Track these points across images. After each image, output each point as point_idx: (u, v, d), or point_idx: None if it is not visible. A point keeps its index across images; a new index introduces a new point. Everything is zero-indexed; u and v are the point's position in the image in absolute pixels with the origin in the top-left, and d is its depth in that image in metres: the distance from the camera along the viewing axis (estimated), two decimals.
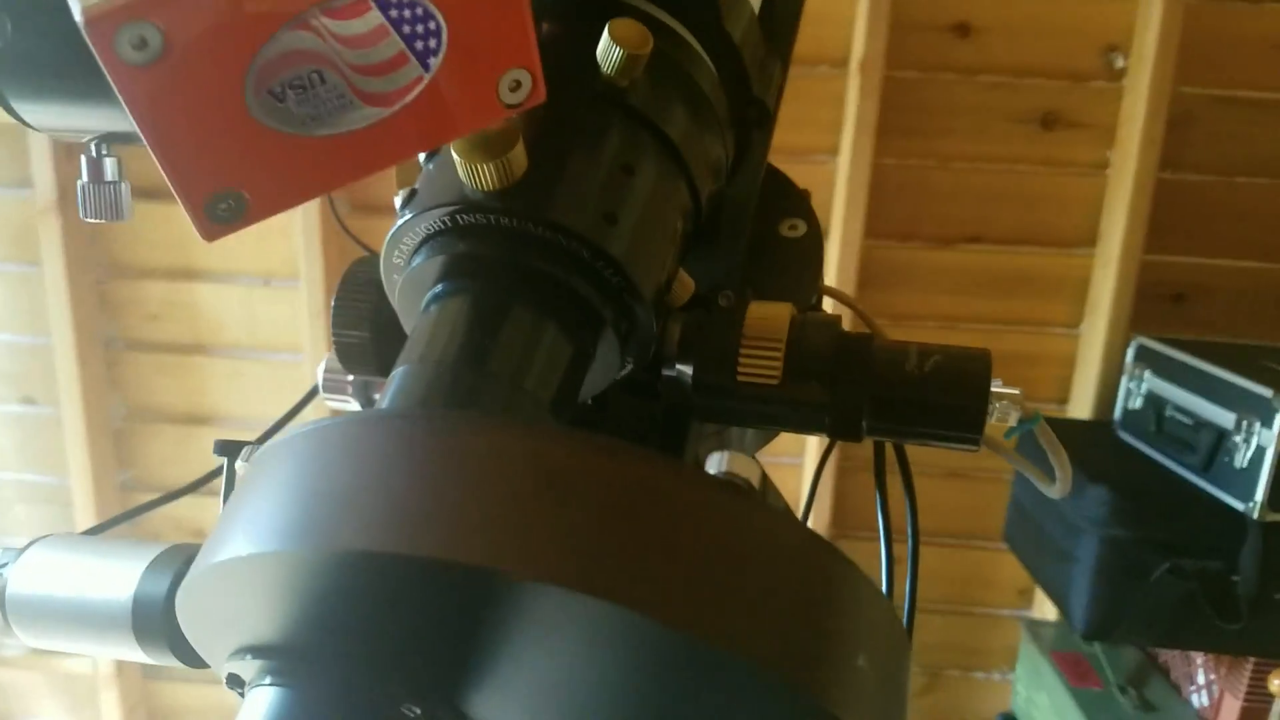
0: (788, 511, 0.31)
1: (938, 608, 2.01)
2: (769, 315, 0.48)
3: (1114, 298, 1.78)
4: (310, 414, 0.65)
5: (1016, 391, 0.47)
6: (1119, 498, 1.45)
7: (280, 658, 0.32)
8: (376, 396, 0.57)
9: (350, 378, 0.59)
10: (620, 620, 0.27)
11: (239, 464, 0.35)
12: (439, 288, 0.43)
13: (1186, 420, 1.50)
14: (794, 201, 0.63)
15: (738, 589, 0.28)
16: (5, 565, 0.45)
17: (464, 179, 0.41)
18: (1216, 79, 1.74)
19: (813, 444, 1.84)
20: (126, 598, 0.42)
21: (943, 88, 1.79)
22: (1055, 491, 0.52)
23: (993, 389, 0.46)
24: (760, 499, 0.30)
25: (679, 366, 0.47)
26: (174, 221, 1.92)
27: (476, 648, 0.31)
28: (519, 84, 0.33)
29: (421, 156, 0.47)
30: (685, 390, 0.47)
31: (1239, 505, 1.39)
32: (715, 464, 0.31)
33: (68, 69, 0.41)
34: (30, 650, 1.99)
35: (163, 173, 0.29)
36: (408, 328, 0.46)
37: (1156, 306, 1.81)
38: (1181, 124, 1.73)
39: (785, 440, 0.51)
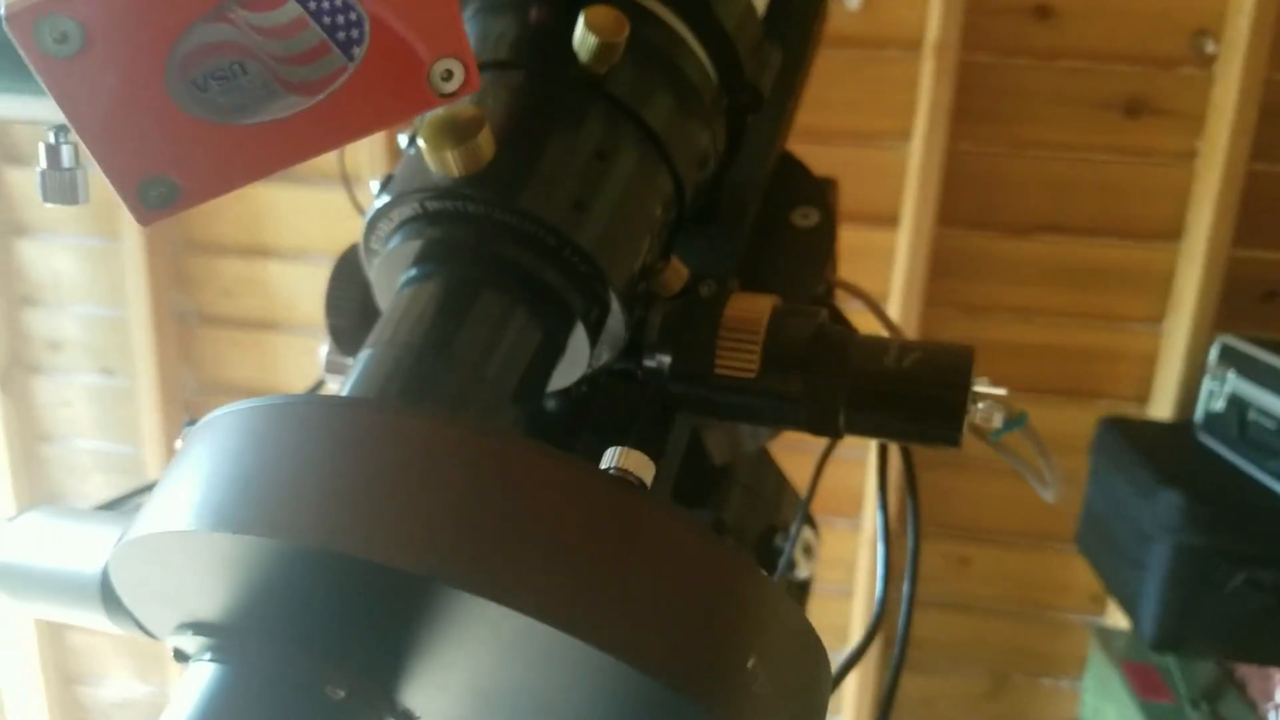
0: (681, 511, 0.30)
1: (1006, 610, 1.96)
2: (749, 307, 0.47)
3: (1199, 294, 1.70)
4: None
5: (1002, 392, 0.46)
6: (1194, 503, 1.40)
7: (218, 635, 0.32)
8: None
9: (349, 360, 0.59)
10: (500, 613, 0.27)
11: (177, 443, 0.35)
12: (409, 273, 0.43)
13: (1271, 425, 1.43)
14: (809, 190, 0.62)
15: (614, 585, 0.28)
16: None
17: (431, 165, 0.41)
18: None
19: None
20: (96, 569, 0.42)
21: (1021, 72, 1.73)
22: (1048, 495, 0.51)
23: (976, 388, 0.45)
24: (648, 496, 0.30)
25: (659, 356, 0.47)
26: (249, 200, 1.96)
27: (402, 638, 0.31)
28: (451, 73, 0.33)
29: (402, 141, 0.46)
30: (664, 379, 0.47)
31: None
32: (609, 459, 0.31)
33: (5, 62, 0.41)
34: None
35: (93, 159, 0.29)
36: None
37: (1245, 304, 1.73)
38: (1275, 113, 1.65)
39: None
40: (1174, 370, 1.75)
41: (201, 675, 0.32)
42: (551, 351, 0.44)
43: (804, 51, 0.64)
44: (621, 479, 0.30)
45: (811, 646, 0.31)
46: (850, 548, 1.91)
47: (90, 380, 2.12)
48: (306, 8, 0.29)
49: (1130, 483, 1.52)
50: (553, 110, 0.45)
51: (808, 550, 0.68)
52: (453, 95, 0.33)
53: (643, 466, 0.30)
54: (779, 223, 0.62)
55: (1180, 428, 1.68)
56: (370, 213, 0.44)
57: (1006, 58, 1.73)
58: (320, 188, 1.89)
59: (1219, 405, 1.56)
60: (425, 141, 0.40)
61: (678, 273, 0.51)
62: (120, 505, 0.61)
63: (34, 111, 0.32)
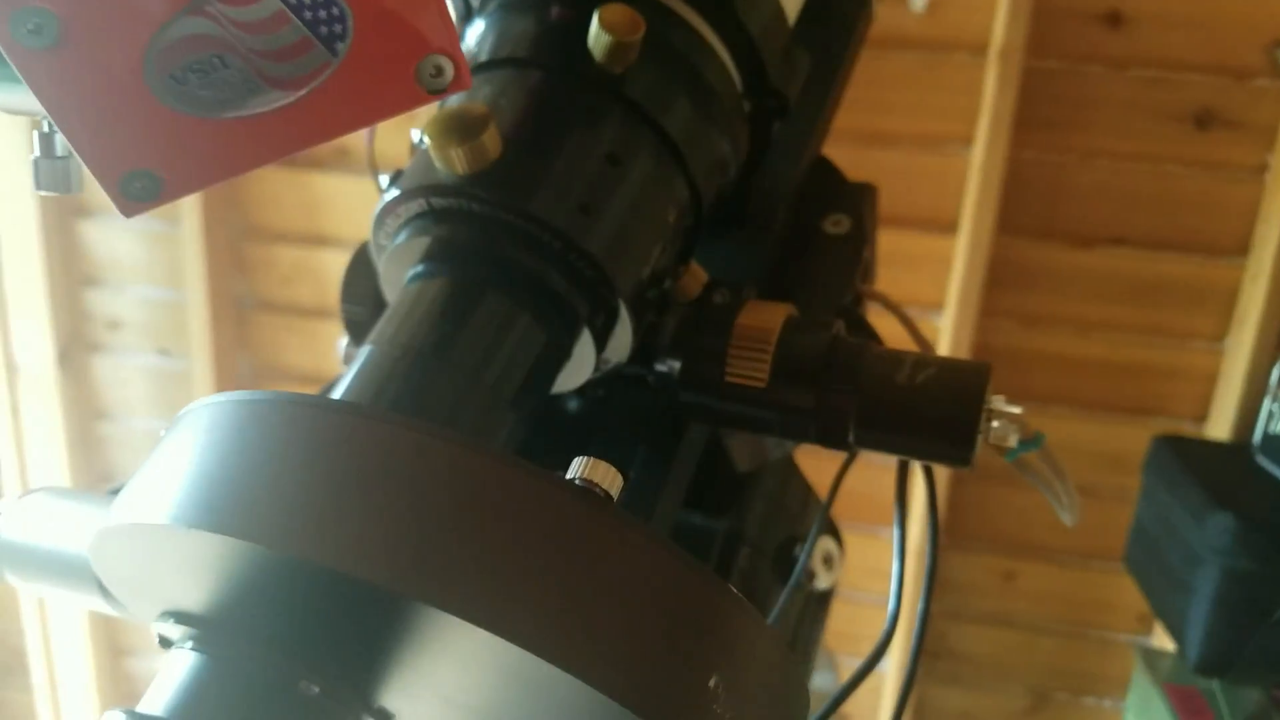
0: (644, 525, 0.29)
1: (1051, 627, 1.92)
2: (762, 316, 0.46)
3: (1263, 313, 1.66)
4: None
5: (1018, 410, 0.44)
6: (1247, 527, 1.35)
7: (199, 625, 0.33)
8: None
9: None
10: (459, 624, 0.27)
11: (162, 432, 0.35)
12: (413, 270, 0.43)
13: None
14: (843, 196, 0.61)
15: (567, 597, 0.27)
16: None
17: (437, 162, 0.40)
18: None
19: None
20: None
21: (1089, 80, 1.69)
22: (1066, 518, 0.50)
23: (992, 406, 0.44)
24: (611, 507, 0.29)
25: (670, 362, 0.46)
26: (308, 188, 1.98)
27: (375, 641, 0.31)
28: (440, 70, 0.32)
29: (415, 136, 0.46)
30: (674, 386, 0.46)
31: None
32: (575, 470, 0.30)
33: None
34: None
35: (74, 151, 0.29)
36: None
37: None
38: None
39: None
40: (1234, 390, 1.71)
41: (182, 663, 0.32)
42: (554, 356, 0.43)
43: (841, 58, 0.63)
44: (586, 491, 0.29)
45: (785, 667, 0.31)
46: (884, 558, 1.88)
47: (147, 361, 2.16)
48: (287, 3, 0.29)
49: (1182, 503, 1.48)
50: (565, 110, 0.44)
51: (828, 561, 0.67)
52: (443, 92, 0.33)
53: (609, 478, 0.30)
54: (810, 229, 0.61)
55: (1237, 449, 1.63)
56: (378, 207, 0.44)
57: (1075, 64, 1.69)
58: None
59: (1278, 427, 1.52)
60: (430, 138, 0.40)
61: (696, 278, 0.50)
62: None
63: (27, 102, 0.32)
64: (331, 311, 2.06)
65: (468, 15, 0.51)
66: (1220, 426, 1.73)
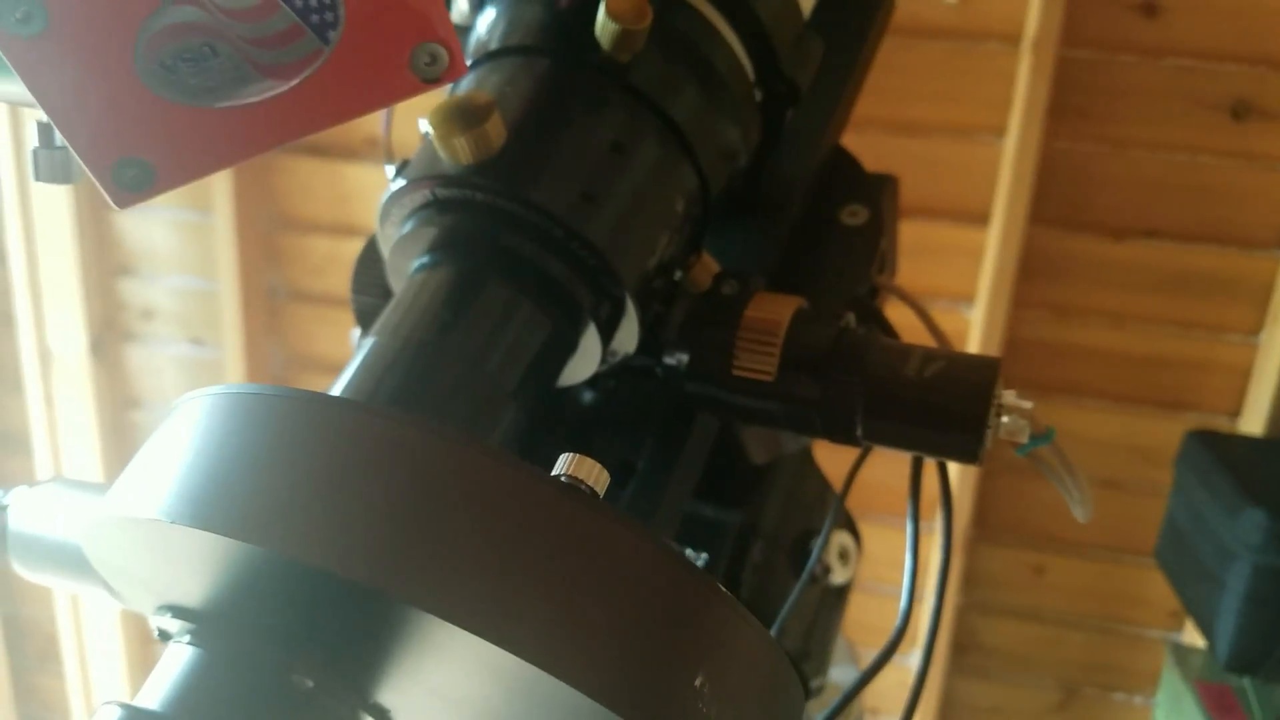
0: (631, 521, 0.29)
1: (1081, 622, 1.91)
2: (771, 308, 0.46)
3: None
4: None
5: (1028, 405, 0.44)
6: (1279, 523, 1.34)
7: (195, 619, 0.33)
8: None
9: None
10: (439, 624, 0.27)
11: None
12: (418, 260, 0.42)
13: None
14: (862, 187, 0.60)
15: (548, 594, 0.27)
16: (5, 506, 0.47)
17: (441, 152, 0.40)
18: None
19: None
20: None
21: (1124, 69, 1.67)
22: (1079, 514, 0.49)
23: (1002, 400, 0.43)
24: (596, 503, 0.29)
25: (677, 353, 0.46)
26: (340, 179, 1.99)
27: (367, 636, 0.31)
28: (434, 58, 0.32)
29: (422, 126, 0.46)
30: (682, 378, 0.46)
31: None
32: (561, 466, 0.30)
33: None
34: None
35: (64, 140, 0.29)
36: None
37: None
38: None
39: None
40: (1268, 384, 1.68)
41: (178, 657, 0.32)
42: (559, 347, 0.43)
43: (860, 47, 0.62)
44: (570, 487, 0.29)
45: (774, 664, 0.30)
46: (920, 551, 1.87)
47: (180, 350, 2.18)
48: None
49: (1215, 498, 1.46)
50: (571, 99, 0.44)
51: (844, 556, 0.66)
52: (437, 81, 0.32)
53: (594, 474, 0.30)
54: (827, 219, 0.60)
55: (1271, 444, 1.61)
56: (384, 197, 0.44)
57: (1109, 54, 1.67)
58: None
59: None
60: (434, 128, 0.40)
61: (707, 269, 0.50)
62: None
63: (20, 93, 0.32)
64: None
65: (480, 3, 0.51)
66: (1254, 421, 1.71)
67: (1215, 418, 1.76)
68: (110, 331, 2.16)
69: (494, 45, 0.47)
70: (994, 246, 1.73)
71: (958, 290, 1.79)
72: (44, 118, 0.34)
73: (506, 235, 0.41)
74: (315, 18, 0.30)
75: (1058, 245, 1.76)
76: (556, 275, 0.41)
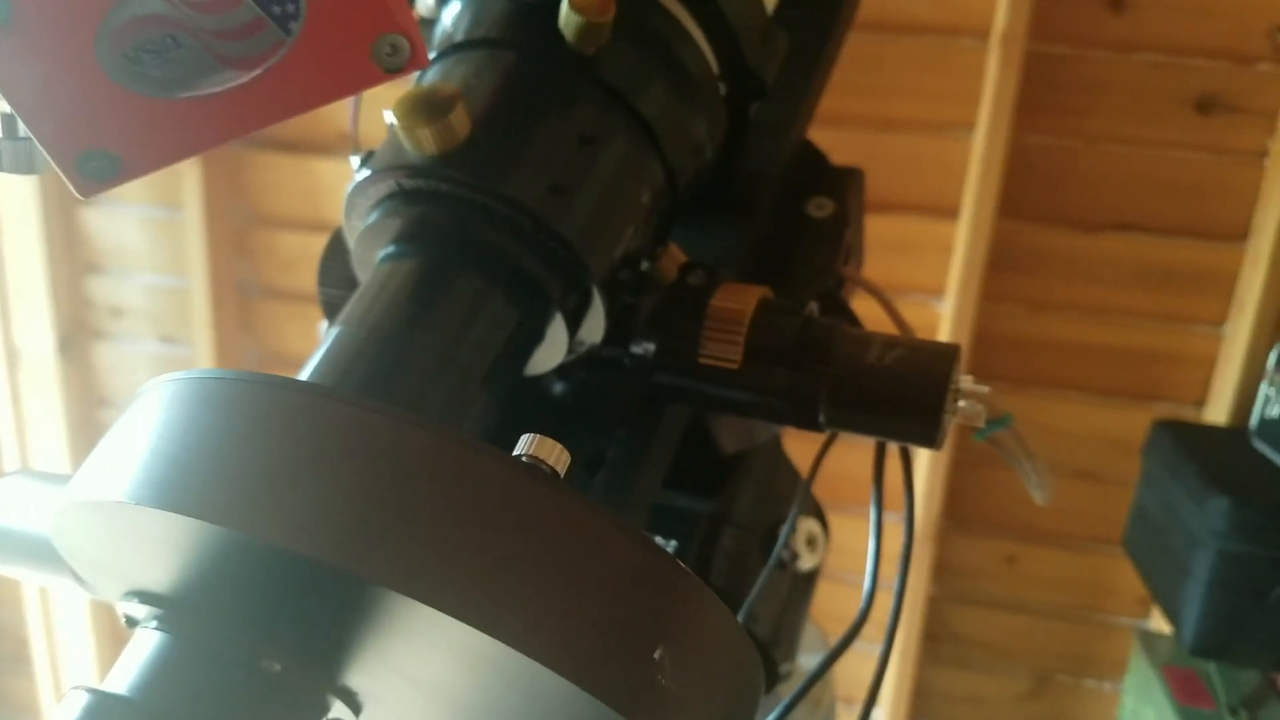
0: (591, 502, 0.29)
1: (1053, 611, 1.93)
2: (736, 298, 0.46)
3: (1261, 297, 1.65)
4: None
5: (985, 390, 0.45)
6: (1243, 510, 1.36)
7: (162, 604, 0.33)
8: None
9: None
10: (402, 598, 0.27)
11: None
12: (383, 251, 0.43)
13: None
14: (827, 180, 0.61)
15: (508, 569, 0.27)
16: None
17: (406, 143, 0.40)
18: None
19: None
20: None
21: (1092, 64, 1.69)
22: (1039, 498, 0.50)
23: (960, 386, 0.44)
24: (557, 482, 0.29)
25: (645, 344, 0.47)
26: (311, 174, 1.98)
27: (333, 617, 0.31)
28: (396, 48, 0.32)
29: (387, 117, 0.46)
30: (649, 367, 0.47)
31: None
32: (522, 447, 0.30)
33: None
34: None
35: (28, 131, 0.29)
36: None
37: None
38: None
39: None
40: (1232, 374, 1.71)
41: (145, 642, 0.32)
42: (526, 336, 0.43)
43: (825, 41, 0.63)
44: (531, 466, 0.29)
45: (736, 639, 0.31)
46: (890, 541, 1.89)
47: (151, 348, 2.16)
48: None
49: (1181, 487, 1.48)
50: (536, 91, 0.44)
51: (812, 542, 0.67)
52: (400, 71, 0.33)
53: (555, 454, 0.30)
54: (793, 212, 0.61)
55: (1236, 433, 1.64)
56: (349, 188, 0.44)
57: (1079, 49, 1.69)
58: None
59: (1275, 411, 1.52)
60: (399, 119, 0.40)
61: (674, 260, 0.50)
62: None
63: None
64: None
65: None
66: (1219, 410, 1.73)
67: (1183, 408, 1.78)
68: (79, 330, 2.15)
69: (459, 38, 0.47)
70: (963, 240, 1.75)
71: (930, 284, 1.80)
72: (6, 109, 0.34)
73: (473, 225, 0.41)
74: (277, 10, 0.30)
75: (1029, 239, 1.78)
76: (523, 265, 0.42)
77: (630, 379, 0.49)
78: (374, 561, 0.27)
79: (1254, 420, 1.58)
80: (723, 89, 0.52)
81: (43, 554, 0.43)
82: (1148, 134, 1.70)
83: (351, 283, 0.53)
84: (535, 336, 0.44)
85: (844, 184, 0.63)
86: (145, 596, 0.33)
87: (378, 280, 0.42)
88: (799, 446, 0.71)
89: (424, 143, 0.40)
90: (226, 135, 0.32)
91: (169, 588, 0.33)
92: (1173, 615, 1.50)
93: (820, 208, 0.60)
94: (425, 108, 0.39)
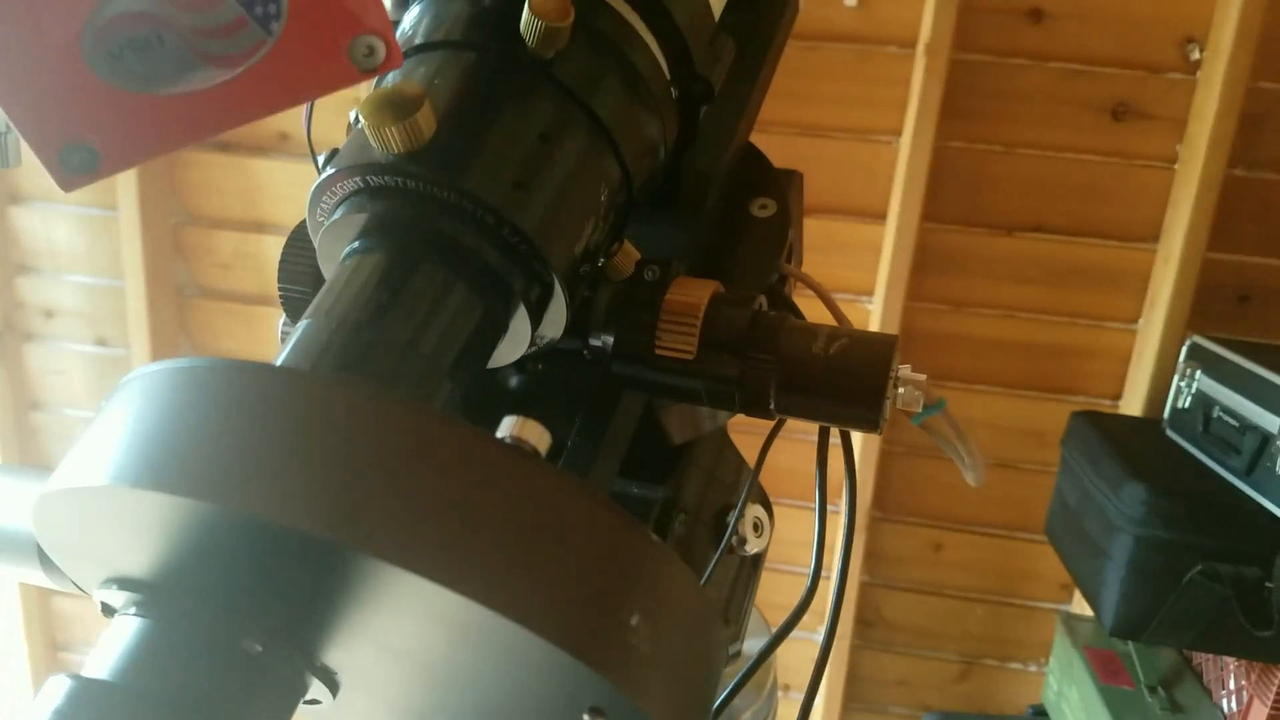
0: (572, 477, 0.32)
1: (979, 597, 1.99)
2: (690, 292, 0.49)
3: (1173, 294, 1.73)
4: None
5: (922, 377, 0.48)
6: (1158, 497, 1.43)
7: (141, 590, 0.34)
8: None
9: None
10: (389, 569, 0.28)
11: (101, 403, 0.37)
12: (350, 246, 0.44)
13: (1233, 422, 1.46)
14: (770, 182, 0.64)
15: (492, 538, 0.29)
16: None
17: (372, 141, 0.42)
18: None
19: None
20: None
21: (1012, 73, 1.75)
22: (970, 478, 0.53)
23: (897, 374, 0.47)
24: (537, 459, 0.31)
25: (603, 336, 0.49)
26: (247, 174, 1.97)
27: (313, 595, 0.32)
28: (372, 49, 0.34)
29: (352, 116, 0.48)
30: (608, 359, 0.49)
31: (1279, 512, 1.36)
32: (506, 429, 0.32)
33: None
34: None
35: (12, 125, 0.31)
36: None
37: (1220, 307, 1.76)
38: (1256, 121, 1.68)
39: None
40: (1146, 368, 1.79)
41: (125, 629, 0.33)
42: (490, 329, 0.45)
43: (766, 47, 0.66)
44: (514, 446, 0.32)
45: (701, 607, 0.33)
46: (830, 532, 1.93)
47: (85, 349, 2.14)
48: None
49: (1099, 474, 1.55)
50: (498, 91, 0.46)
51: (758, 527, 0.70)
52: (374, 71, 0.34)
53: (536, 434, 0.32)
54: (738, 212, 0.64)
55: (1150, 424, 1.71)
56: (315, 185, 0.45)
57: (999, 58, 1.75)
58: None
59: (1186, 402, 1.59)
60: (366, 117, 0.41)
61: (629, 256, 0.52)
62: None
63: None
64: (272, 298, 2.06)
65: (404, 1, 0.53)
66: (1134, 403, 1.81)
67: (1099, 401, 1.86)
68: (10, 332, 2.12)
69: (419, 40, 0.49)
70: (889, 242, 1.81)
71: (859, 284, 1.86)
72: None
73: (439, 220, 0.43)
74: (259, 9, 0.32)
75: (951, 241, 1.84)
76: (488, 259, 0.43)
77: (588, 370, 0.52)
78: (349, 528, 0.28)
79: (1166, 411, 1.65)
80: (674, 93, 0.54)
81: (6, 547, 0.44)
82: (1064, 140, 1.78)
83: (313, 280, 0.54)
84: (499, 328, 0.46)
85: (785, 186, 0.66)
86: (124, 582, 0.34)
87: (345, 273, 0.43)
88: (743, 438, 0.75)
89: (391, 141, 0.41)
90: (205, 131, 0.33)
91: (148, 572, 0.33)
92: (1093, 599, 1.56)
93: (764, 208, 0.63)
94: (393, 107, 0.40)
